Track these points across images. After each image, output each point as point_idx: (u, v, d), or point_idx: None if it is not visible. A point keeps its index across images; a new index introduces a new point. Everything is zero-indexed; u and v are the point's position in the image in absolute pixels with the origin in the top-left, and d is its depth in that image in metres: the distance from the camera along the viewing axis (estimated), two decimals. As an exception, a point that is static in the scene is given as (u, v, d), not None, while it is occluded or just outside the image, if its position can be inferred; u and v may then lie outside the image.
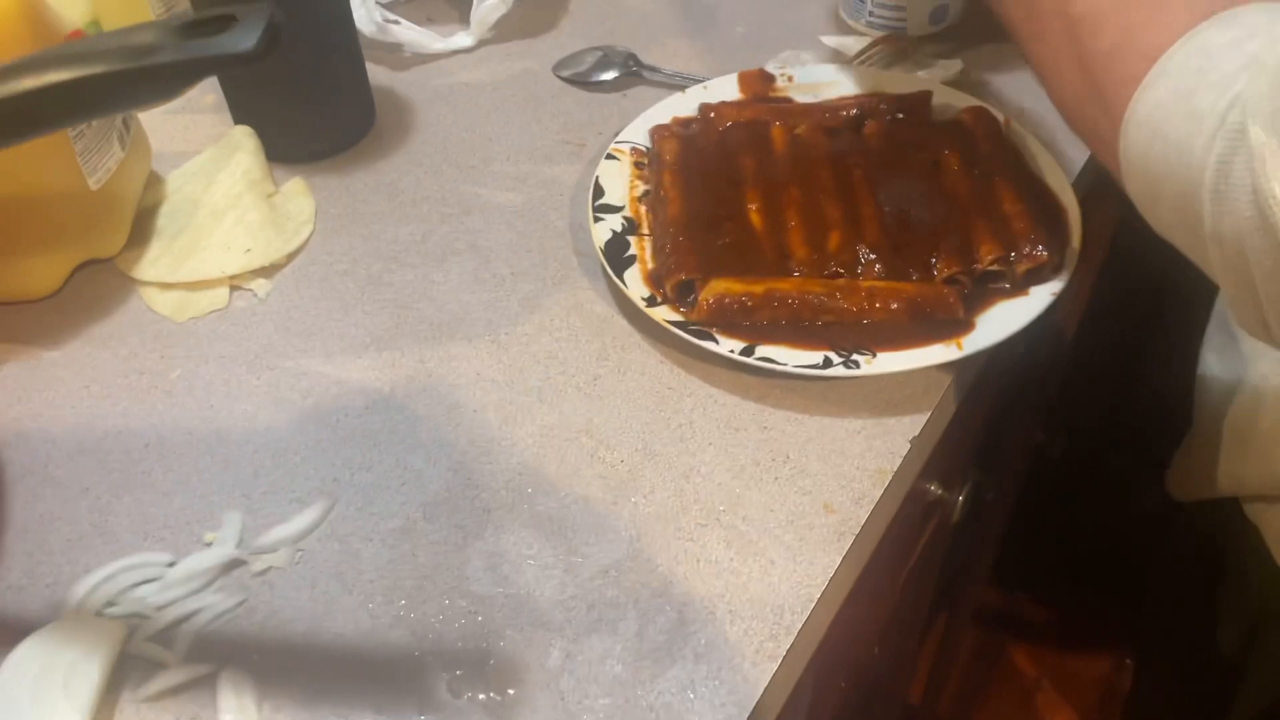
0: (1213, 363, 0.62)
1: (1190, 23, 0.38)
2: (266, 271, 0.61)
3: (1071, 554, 1.33)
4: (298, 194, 0.66)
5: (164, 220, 0.63)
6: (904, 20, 0.75)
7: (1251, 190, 0.34)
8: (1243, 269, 0.36)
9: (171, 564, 0.48)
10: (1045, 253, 0.55)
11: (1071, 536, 1.31)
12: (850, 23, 0.77)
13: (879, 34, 0.75)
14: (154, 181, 0.65)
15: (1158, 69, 0.39)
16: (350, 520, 0.50)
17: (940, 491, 0.67)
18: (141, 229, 0.63)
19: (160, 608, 0.46)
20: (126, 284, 0.61)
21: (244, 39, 0.29)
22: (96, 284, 0.61)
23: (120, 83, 0.30)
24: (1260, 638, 0.62)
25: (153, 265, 0.61)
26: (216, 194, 0.63)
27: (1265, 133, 0.34)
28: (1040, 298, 0.55)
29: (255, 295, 0.60)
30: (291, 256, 0.62)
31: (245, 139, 0.66)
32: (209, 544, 0.49)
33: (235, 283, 0.61)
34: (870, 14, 0.75)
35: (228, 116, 0.69)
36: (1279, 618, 0.60)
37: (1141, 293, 1.15)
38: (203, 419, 0.54)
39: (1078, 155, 0.65)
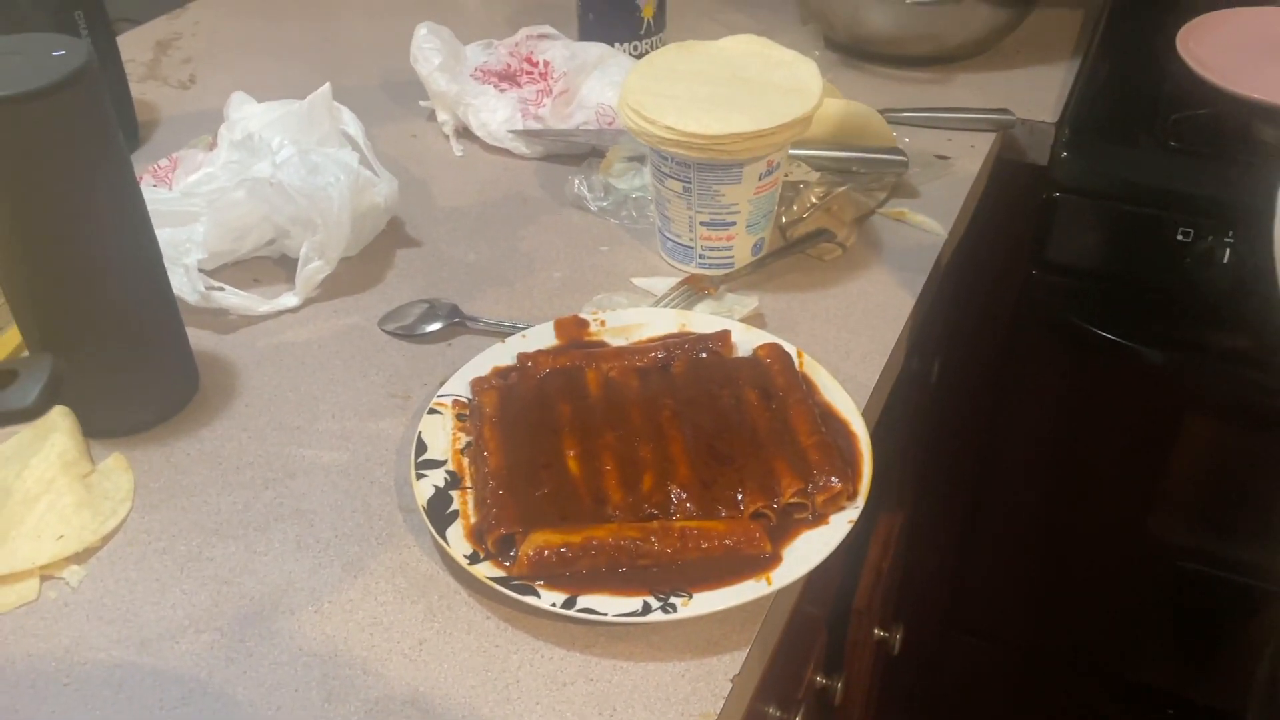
0: None
1: None
2: (80, 557, 0.60)
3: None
4: (116, 470, 0.65)
5: (-29, 511, 0.62)
6: (731, 257, 0.81)
7: None
8: None
9: None
10: (838, 483, 0.59)
11: None
12: (680, 266, 0.83)
13: (706, 272, 0.82)
14: (-38, 470, 0.64)
15: None
16: (162, 828, 0.47)
17: (779, 713, 0.69)
18: (-55, 522, 0.61)
19: None
20: (-74, 583, 0.59)
21: (24, 395, 0.31)
22: (-107, 586, 0.59)
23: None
24: None
25: (-44, 561, 0.59)
26: (29, 480, 0.62)
27: None
28: (839, 526, 0.58)
29: (67, 584, 0.59)
30: (107, 538, 0.61)
31: (61, 419, 0.66)
32: None
33: (46, 572, 0.59)
34: (700, 256, 0.82)
35: (44, 394, 0.69)
36: None
37: (964, 472, 1.22)
38: (4, 728, 0.52)
39: (866, 382, 0.71)
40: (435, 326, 0.78)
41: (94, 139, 0.59)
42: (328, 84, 0.87)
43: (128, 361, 0.66)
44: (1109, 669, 1.30)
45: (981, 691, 1.37)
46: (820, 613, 0.83)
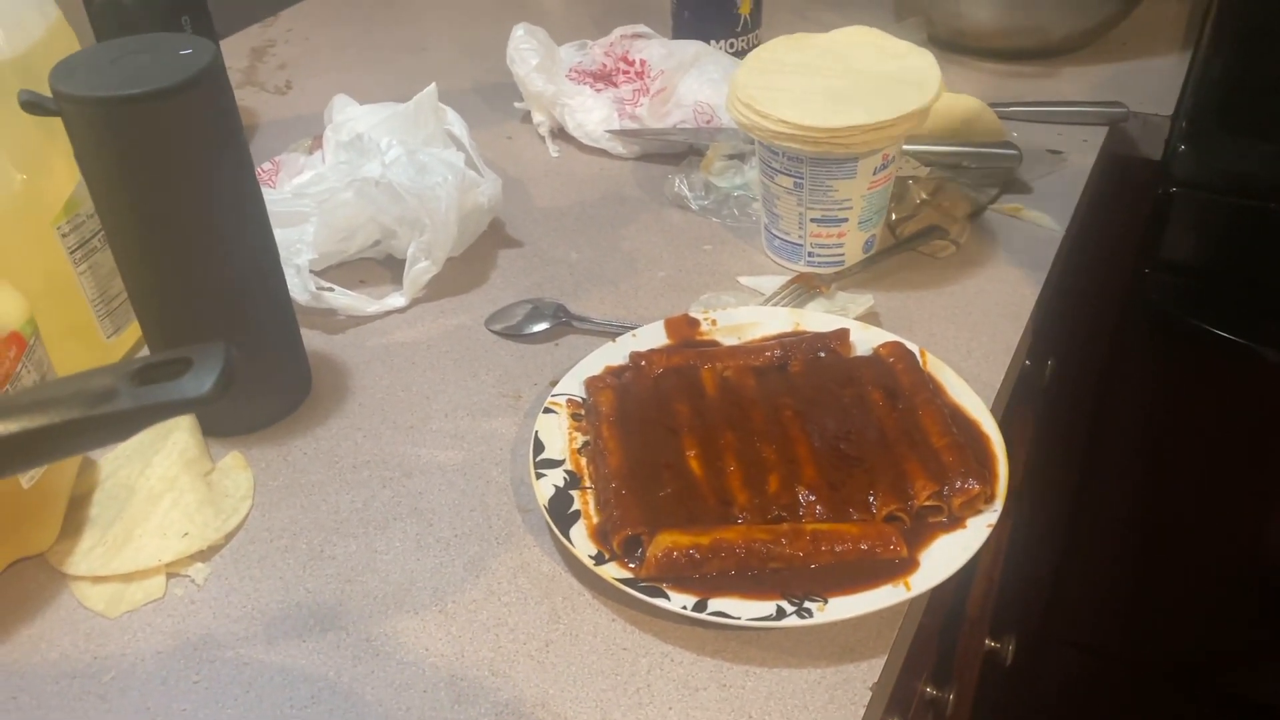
0: None
1: None
2: (205, 554, 0.60)
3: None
4: (235, 469, 0.65)
5: (97, 508, 0.62)
6: (842, 255, 0.80)
7: None
8: None
9: None
10: (976, 486, 0.57)
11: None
12: (787, 265, 0.81)
13: (816, 270, 0.80)
14: (87, 468, 0.64)
15: None
16: (300, 828, 0.47)
17: (902, 723, 0.66)
18: (73, 519, 0.61)
19: None
20: (56, 579, 0.59)
21: (200, 384, 0.30)
22: (24, 582, 0.59)
23: (76, 431, 0.31)
24: None
25: (85, 558, 0.59)
26: (152, 477, 0.63)
27: None
28: (978, 530, 0.56)
29: (193, 581, 0.59)
30: (230, 535, 0.61)
31: (182, 417, 0.66)
32: None
33: (172, 570, 0.59)
34: (810, 254, 0.80)
35: (162, 393, 0.69)
36: None
37: (1063, 488, 1.19)
38: (138, 724, 0.52)
39: (991, 382, 0.69)
40: (542, 326, 0.77)
41: (221, 134, 0.59)
42: (433, 84, 0.87)
43: (248, 360, 0.66)
44: (1215, 683, 1.25)
45: (1082, 704, 1.33)
46: (933, 622, 0.81)
